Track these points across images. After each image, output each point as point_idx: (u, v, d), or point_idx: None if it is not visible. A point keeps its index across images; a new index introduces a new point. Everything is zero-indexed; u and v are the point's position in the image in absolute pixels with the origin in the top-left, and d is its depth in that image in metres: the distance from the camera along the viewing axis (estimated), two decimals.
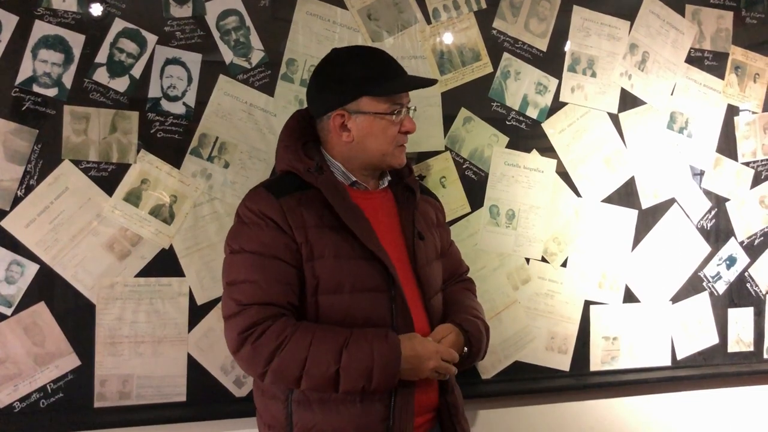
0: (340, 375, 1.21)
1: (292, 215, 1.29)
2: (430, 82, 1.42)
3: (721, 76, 2.24)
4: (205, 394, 1.71)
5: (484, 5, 1.94)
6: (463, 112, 1.93)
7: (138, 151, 1.66)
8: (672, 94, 2.17)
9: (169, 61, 1.68)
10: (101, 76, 1.63)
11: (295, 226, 1.28)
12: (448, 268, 1.56)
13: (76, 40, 1.61)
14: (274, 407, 1.32)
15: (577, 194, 2.05)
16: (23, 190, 1.58)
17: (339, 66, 1.38)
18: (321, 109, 1.39)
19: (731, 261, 2.26)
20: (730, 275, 2.26)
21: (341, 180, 1.38)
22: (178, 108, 1.69)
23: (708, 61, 2.22)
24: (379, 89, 1.32)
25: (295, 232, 1.28)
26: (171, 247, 1.68)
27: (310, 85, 1.43)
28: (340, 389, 1.22)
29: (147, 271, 1.66)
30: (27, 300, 1.59)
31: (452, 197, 1.92)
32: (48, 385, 1.60)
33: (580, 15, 2.04)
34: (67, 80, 1.61)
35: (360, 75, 1.33)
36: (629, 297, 2.12)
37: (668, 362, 2.17)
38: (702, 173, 2.22)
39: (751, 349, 2.30)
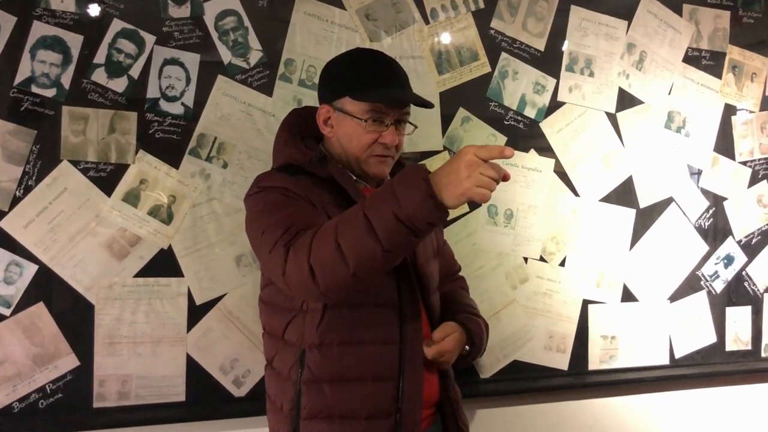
0: (370, 219, 1.07)
1: (309, 191, 1.29)
2: (421, 102, 1.36)
3: (719, 76, 2.24)
4: (204, 394, 1.70)
5: (482, 5, 1.95)
6: (461, 112, 1.93)
7: (136, 152, 1.66)
8: (669, 94, 2.17)
9: (167, 62, 1.68)
10: (99, 76, 1.63)
11: (313, 199, 1.29)
12: (442, 267, 1.58)
13: (75, 41, 1.61)
14: (286, 389, 1.31)
15: (575, 194, 2.06)
16: (22, 191, 1.58)
17: (341, 63, 1.41)
18: (319, 100, 1.42)
19: (729, 260, 2.27)
20: (728, 274, 2.27)
21: None
22: (176, 108, 1.69)
23: (705, 60, 2.22)
24: (359, 93, 1.32)
25: (315, 204, 1.29)
26: (170, 247, 1.68)
27: (320, 75, 1.46)
28: (378, 233, 1.07)
29: (146, 272, 1.66)
30: (26, 300, 1.58)
31: None
32: (47, 386, 1.60)
33: (577, 15, 2.05)
34: (66, 81, 1.61)
35: (350, 76, 1.35)
36: (627, 296, 2.13)
37: (666, 361, 2.18)
38: (700, 172, 2.22)
39: (749, 347, 2.30)
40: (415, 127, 1.43)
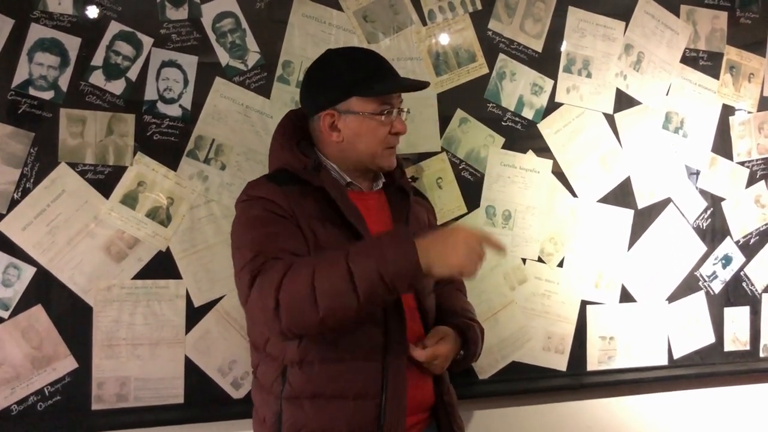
0: (352, 270, 1.10)
1: (295, 203, 1.29)
2: (421, 85, 1.42)
3: (716, 76, 2.24)
4: (202, 395, 1.71)
5: (479, 6, 1.95)
6: (459, 113, 1.93)
7: (134, 154, 1.66)
8: (667, 94, 2.18)
9: (165, 64, 1.68)
10: (97, 78, 1.63)
11: (299, 213, 1.29)
12: None
13: (72, 43, 1.61)
14: (270, 401, 1.31)
15: (573, 194, 2.06)
16: (20, 193, 1.58)
17: (330, 66, 1.39)
18: (312, 108, 1.40)
19: (727, 260, 2.27)
20: (726, 274, 2.27)
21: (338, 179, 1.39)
22: (174, 110, 1.69)
23: (703, 61, 2.22)
24: (368, 90, 1.32)
25: (299, 219, 1.28)
26: (168, 249, 1.68)
27: (303, 84, 1.45)
28: (358, 285, 1.09)
29: (144, 274, 1.66)
30: (24, 303, 1.58)
31: (448, 198, 1.92)
32: (45, 388, 1.60)
33: (575, 16, 2.05)
34: (63, 83, 1.61)
35: (350, 76, 1.34)
36: (625, 297, 2.13)
37: (665, 361, 2.18)
38: (697, 173, 2.23)
39: (748, 348, 2.30)
40: (408, 111, 1.44)
